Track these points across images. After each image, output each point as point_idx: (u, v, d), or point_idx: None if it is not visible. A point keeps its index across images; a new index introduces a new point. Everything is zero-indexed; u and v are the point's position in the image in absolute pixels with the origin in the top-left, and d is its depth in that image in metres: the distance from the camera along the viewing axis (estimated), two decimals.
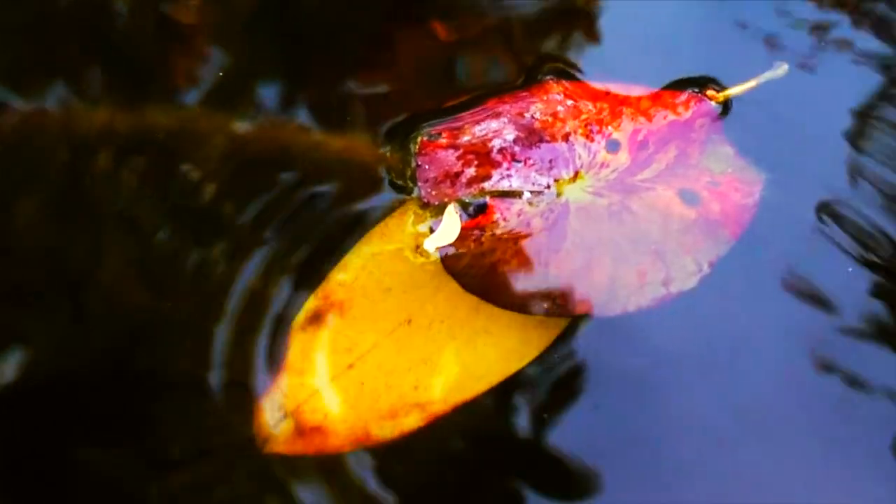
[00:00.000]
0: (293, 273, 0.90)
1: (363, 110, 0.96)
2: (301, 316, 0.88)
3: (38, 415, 0.87)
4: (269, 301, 0.89)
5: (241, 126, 0.95)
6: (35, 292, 0.91)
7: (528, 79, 0.95)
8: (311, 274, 0.90)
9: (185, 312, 0.89)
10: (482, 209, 0.89)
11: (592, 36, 0.99)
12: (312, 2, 1.01)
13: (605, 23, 1.00)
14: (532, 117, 0.92)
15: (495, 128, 0.92)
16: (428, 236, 0.88)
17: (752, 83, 0.94)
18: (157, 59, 0.99)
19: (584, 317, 0.88)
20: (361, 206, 0.92)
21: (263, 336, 0.88)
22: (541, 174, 0.90)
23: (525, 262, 0.87)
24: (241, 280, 0.90)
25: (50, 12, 1.00)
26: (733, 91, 0.94)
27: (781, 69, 0.94)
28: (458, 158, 0.90)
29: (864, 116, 0.95)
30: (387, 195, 0.92)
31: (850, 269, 0.90)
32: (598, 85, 0.94)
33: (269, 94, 0.97)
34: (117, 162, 0.94)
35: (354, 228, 0.91)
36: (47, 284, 0.91)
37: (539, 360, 0.87)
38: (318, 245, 0.91)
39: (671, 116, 0.92)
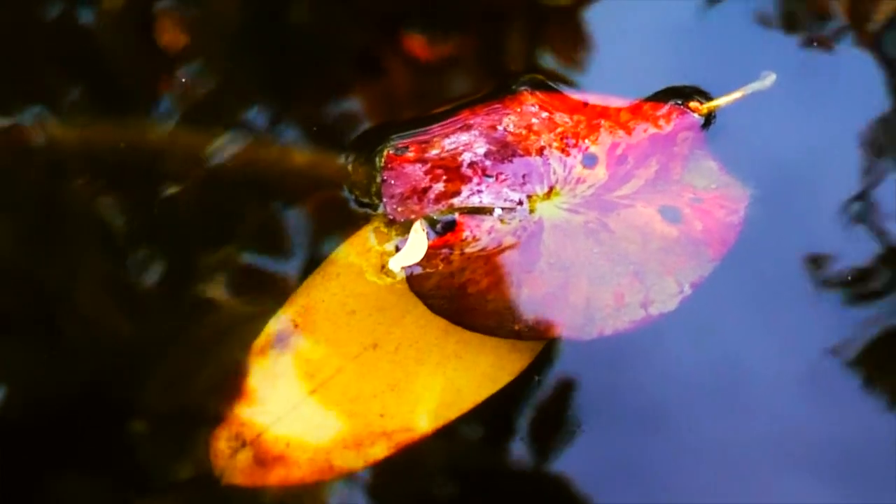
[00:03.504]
0: (254, 294, 0.90)
1: (330, 122, 0.96)
2: (261, 339, 0.88)
3: (14, 444, 0.87)
4: (229, 323, 0.89)
5: (215, 144, 0.95)
6: (7, 318, 0.91)
7: (501, 89, 0.94)
8: (271, 296, 0.89)
9: (154, 335, 0.90)
10: (451, 227, 0.88)
11: (570, 45, 0.98)
12: (292, 19, 1.01)
13: (583, 31, 0.99)
14: (505, 130, 0.91)
15: (465, 141, 0.91)
16: (393, 255, 0.87)
17: (737, 94, 0.93)
18: (133, 76, 0.99)
19: (560, 340, 0.87)
20: (325, 223, 0.92)
21: (223, 360, 0.88)
22: (513, 190, 0.89)
23: (496, 283, 0.86)
24: (203, 303, 0.90)
25: (27, 27, 1.00)
26: (718, 103, 0.93)
27: (768, 79, 0.93)
28: (426, 173, 0.90)
29: (855, 129, 0.94)
30: (351, 212, 0.91)
31: (849, 277, 0.90)
32: (576, 96, 0.94)
33: (243, 110, 0.97)
34: (94, 181, 0.94)
35: (317, 248, 0.91)
36: (20, 309, 0.91)
37: (513, 385, 0.87)
38: (280, 265, 0.91)
39: (652, 129, 0.92)
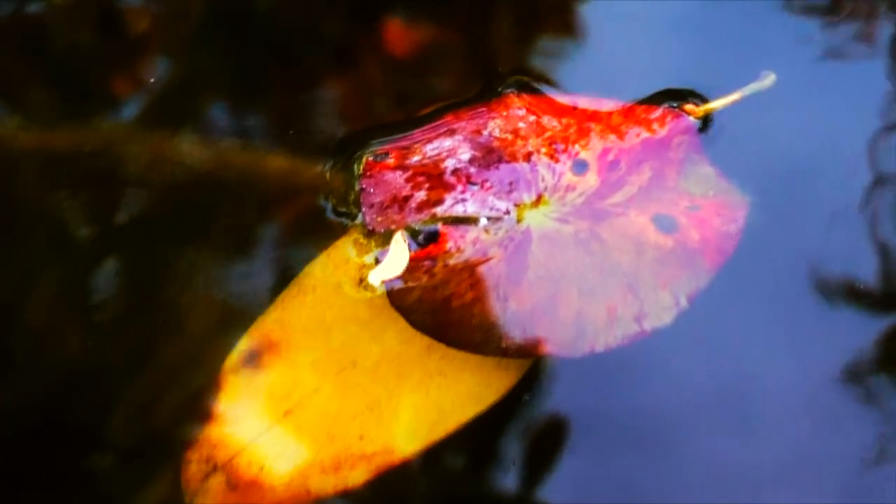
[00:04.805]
0: (224, 309, 0.90)
1: (308, 125, 0.96)
2: (233, 357, 0.87)
3: None
4: (198, 339, 0.89)
5: (180, 144, 0.95)
6: None
7: (486, 92, 0.94)
8: (244, 310, 0.89)
9: (118, 353, 0.89)
10: (433, 237, 0.87)
11: (561, 44, 0.99)
12: (265, 10, 1.01)
13: (574, 30, 0.99)
14: (490, 135, 0.91)
15: (449, 146, 0.91)
16: (373, 268, 0.87)
17: (735, 96, 0.93)
18: (94, 72, 0.99)
19: (549, 356, 0.86)
20: (300, 233, 0.92)
21: (192, 379, 0.87)
22: (499, 198, 0.89)
23: (482, 297, 0.86)
24: (171, 316, 0.90)
25: None
26: (715, 105, 0.93)
27: (768, 80, 0.93)
28: (407, 181, 0.89)
29: (857, 132, 0.94)
30: (328, 222, 0.91)
31: (856, 286, 0.90)
32: (565, 99, 0.94)
33: (211, 108, 0.97)
34: (49, 183, 0.94)
35: (292, 259, 0.90)
36: None
37: (499, 404, 0.86)
38: (253, 278, 0.90)
39: (645, 134, 0.91)
